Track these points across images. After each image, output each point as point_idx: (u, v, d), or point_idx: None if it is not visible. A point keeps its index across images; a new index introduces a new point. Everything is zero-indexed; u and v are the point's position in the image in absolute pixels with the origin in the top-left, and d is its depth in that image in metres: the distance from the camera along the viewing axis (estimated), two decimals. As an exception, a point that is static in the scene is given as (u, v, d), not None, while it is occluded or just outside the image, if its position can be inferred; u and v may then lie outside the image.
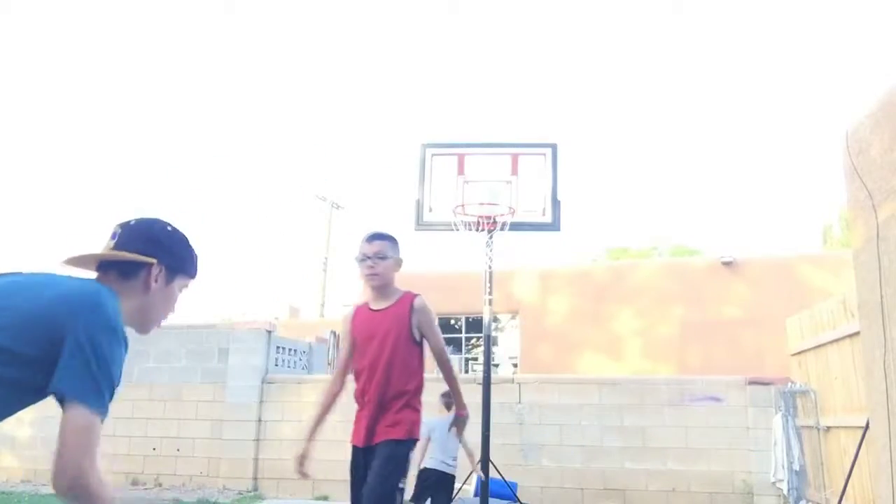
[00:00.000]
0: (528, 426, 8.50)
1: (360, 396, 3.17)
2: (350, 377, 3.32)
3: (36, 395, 1.54)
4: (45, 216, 49.88)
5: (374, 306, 3.24)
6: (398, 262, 3.29)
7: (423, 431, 6.96)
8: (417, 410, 3.17)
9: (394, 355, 3.12)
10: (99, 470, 1.45)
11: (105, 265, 1.75)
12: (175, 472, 9.27)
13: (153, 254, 1.75)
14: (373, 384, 3.09)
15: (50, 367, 1.47)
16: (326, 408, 3.29)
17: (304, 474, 3.22)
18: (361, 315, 3.29)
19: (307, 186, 54.89)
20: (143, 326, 1.81)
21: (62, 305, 1.51)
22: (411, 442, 3.11)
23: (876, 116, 3.06)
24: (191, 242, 1.87)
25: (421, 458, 6.83)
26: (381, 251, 3.21)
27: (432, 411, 9.07)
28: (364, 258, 3.19)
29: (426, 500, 6.60)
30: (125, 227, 1.78)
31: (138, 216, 1.83)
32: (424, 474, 6.67)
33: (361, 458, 3.10)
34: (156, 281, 1.75)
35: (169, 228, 1.83)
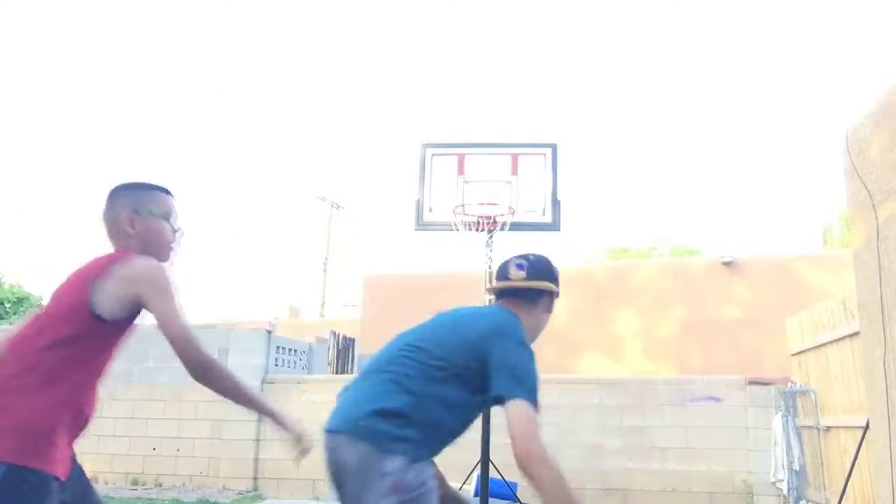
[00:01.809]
0: (528, 426, 8.49)
1: (83, 410, 2.03)
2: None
3: (481, 401, 2.14)
4: (43, 216, 49.89)
5: None
6: None
7: None
8: None
9: None
10: (544, 446, 1.92)
11: (514, 291, 2.35)
12: (175, 472, 9.27)
13: (554, 284, 2.40)
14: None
15: (483, 378, 2.05)
16: None
17: None
18: None
19: (307, 187, 54.88)
20: (533, 340, 2.25)
21: (491, 331, 2.11)
22: None
23: (876, 116, 3.05)
24: None
25: None
26: None
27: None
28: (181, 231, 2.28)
29: None
30: (528, 260, 2.37)
31: (530, 253, 2.42)
32: None
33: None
34: (552, 303, 2.41)
35: (553, 262, 2.43)
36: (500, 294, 2.38)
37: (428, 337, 2.17)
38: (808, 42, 49.58)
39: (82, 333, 1.94)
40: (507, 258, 2.47)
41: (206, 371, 2.00)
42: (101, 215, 2.16)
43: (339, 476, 2.06)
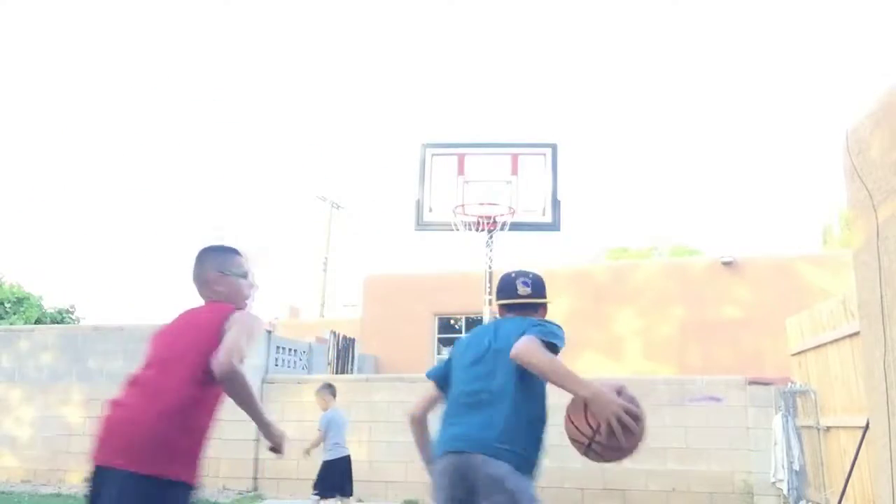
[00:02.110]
0: (528, 426, 8.50)
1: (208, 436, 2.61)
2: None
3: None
4: (43, 216, 49.91)
5: None
6: None
7: (323, 424, 6.43)
8: None
9: None
10: (539, 347, 2.49)
11: (521, 305, 2.82)
12: (175, 472, 9.26)
13: (545, 297, 2.88)
14: None
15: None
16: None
17: None
18: None
19: (307, 187, 54.89)
20: None
21: (526, 328, 2.58)
22: None
23: (876, 116, 3.05)
24: None
25: (314, 448, 6.54)
26: None
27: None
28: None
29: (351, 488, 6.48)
30: (531, 278, 2.86)
31: (527, 270, 2.86)
32: (340, 464, 6.42)
33: None
34: (546, 311, 2.86)
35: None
36: (509, 307, 2.82)
37: (499, 361, 2.60)
38: (808, 42, 49.60)
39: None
40: (507, 274, 2.89)
41: (229, 377, 2.29)
42: (192, 274, 2.69)
43: (470, 490, 2.43)
